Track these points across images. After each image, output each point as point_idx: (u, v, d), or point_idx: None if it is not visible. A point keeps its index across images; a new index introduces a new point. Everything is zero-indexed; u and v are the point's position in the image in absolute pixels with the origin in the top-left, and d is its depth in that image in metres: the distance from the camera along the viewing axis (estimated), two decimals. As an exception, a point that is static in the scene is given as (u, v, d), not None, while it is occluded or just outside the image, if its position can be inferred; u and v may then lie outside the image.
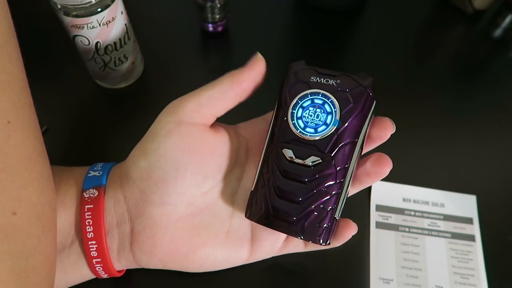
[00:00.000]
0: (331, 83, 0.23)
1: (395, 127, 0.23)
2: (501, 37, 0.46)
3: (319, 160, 0.22)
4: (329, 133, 0.22)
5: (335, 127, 0.22)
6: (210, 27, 0.42)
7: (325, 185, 0.23)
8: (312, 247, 0.28)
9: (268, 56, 0.42)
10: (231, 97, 0.24)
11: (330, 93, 0.23)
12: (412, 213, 0.33)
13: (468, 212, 0.33)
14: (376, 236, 0.32)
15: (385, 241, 0.31)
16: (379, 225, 0.32)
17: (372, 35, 0.45)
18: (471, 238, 0.32)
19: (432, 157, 0.36)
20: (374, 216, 0.33)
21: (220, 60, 0.44)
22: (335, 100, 0.22)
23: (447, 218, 0.33)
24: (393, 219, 0.33)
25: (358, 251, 0.31)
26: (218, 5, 0.39)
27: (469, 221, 0.33)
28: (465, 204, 0.34)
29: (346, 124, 0.22)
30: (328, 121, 0.22)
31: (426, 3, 0.48)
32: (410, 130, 0.37)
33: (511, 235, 0.32)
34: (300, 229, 0.23)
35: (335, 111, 0.22)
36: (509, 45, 0.45)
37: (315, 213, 0.23)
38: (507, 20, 0.47)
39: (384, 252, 0.31)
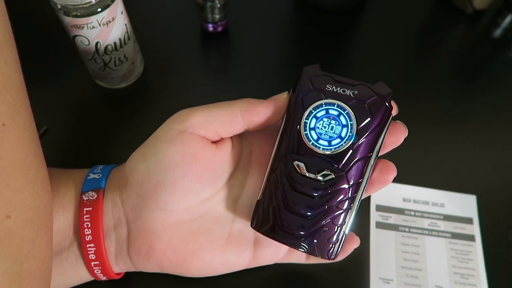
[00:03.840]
0: (348, 93, 0.21)
1: (407, 130, 0.23)
2: (501, 37, 0.46)
3: (332, 175, 0.22)
4: (344, 148, 0.21)
5: (351, 142, 0.21)
6: (210, 27, 0.42)
7: (337, 200, 0.22)
8: (314, 260, 0.27)
9: (268, 57, 0.43)
10: (239, 124, 0.23)
11: (347, 105, 0.21)
12: (412, 213, 0.33)
13: (468, 212, 0.33)
14: (376, 236, 0.32)
15: (385, 241, 0.31)
16: (379, 225, 0.32)
17: (372, 35, 0.45)
18: (471, 238, 0.32)
19: (432, 157, 0.36)
20: (374, 216, 0.33)
21: (220, 60, 0.44)
22: (352, 112, 0.21)
23: (447, 218, 0.33)
24: (393, 219, 0.33)
25: (358, 251, 0.31)
26: (218, 5, 0.39)
27: (469, 221, 0.33)
28: (465, 204, 0.34)
29: (363, 139, 0.21)
30: (343, 135, 0.21)
31: (426, 3, 0.48)
32: (410, 130, 0.37)
33: (511, 235, 0.32)
34: (309, 245, 0.22)
35: (351, 124, 0.21)
36: (509, 45, 0.45)
37: (325, 228, 0.22)
38: (507, 20, 0.47)
39: (384, 252, 0.31)
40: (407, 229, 0.32)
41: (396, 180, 0.35)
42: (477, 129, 0.38)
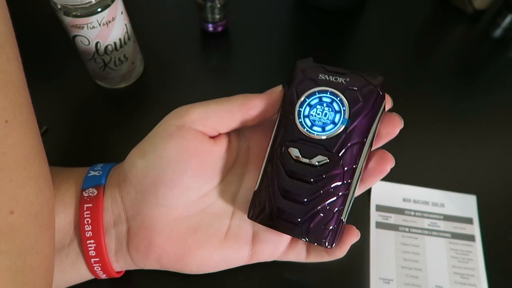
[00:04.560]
0: (340, 81, 0.22)
1: (403, 122, 0.23)
2: (501, 37, 0.46)
3: (326, 159, 0.22)
4: (337, 133, 0.22)
5: (344, 126, 0.22)
6: (210, 27, 0.42)
7: (332, 185, 0.22)
8: (314, 258, 0.27)
9: (268, 57, 0.43)
10: (237, 118, 0.24)
11: (339, 91, 0.22)
12: (412, 213, 0.33)
13: (468, 212, 0.33)
14: (376, 236, 0.32)
15: (385, 241, 0.31)
16: (379, 225, 0.32)
17: (372, 35, 0.45)
18: (471, 238, 0.32)
19: (432, 157, 0.36)
20: (374, 216, 0.33)
21: (220, 60, 0.44)
22: (344, 99, 0.22)
23: (447, 218, 0.33)
24: (393, 219, 0.33)
25: (358, 251, 0.31)
26: (218, 5, 0.39)
27: (469, 221, 0.33)
28: (465, 204, 0.34)
29: (355, 123, 0.22)
30: (336, 120, 0.22)
31: (426, 3, 0.48)
32: (410, 129, 0.37)
33: (511, 235, 0.32)
34: (305, 231, 0.22)
35: (344, 109, 0.22)
36: (509, 45, 0.45)
37: (321, 214, 0.22)
38: (507, 20, 0.47)
39: (384, 252, 0.31)
40: (407, 229, 0.32)
41: (396, 180, 0.35)
42: (477, 129, 0.38)
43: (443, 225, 0.33)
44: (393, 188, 0.34)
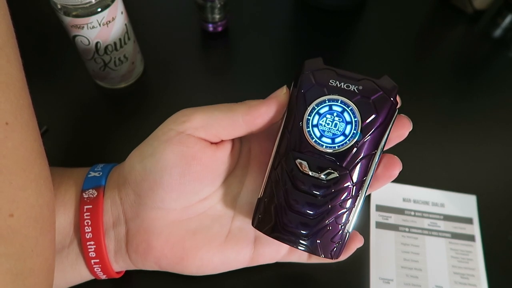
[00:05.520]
0: (352, 89, 0.21)
1: (412, 123, 0.22)
2: (501, 37, 0.46)
3: (335, 174, 0.21)
4: (348, 146, 0.21)
5: (355, 140, 0.21)
6: (210, 27, 0.42)
7: (341, 199, 0.21)
8: (316, 260, 0.27)
9: (268, 57, 0.43)
10: (241, 128, 0.23)
11: (351, 101, 0.21)
12: (412, 213, 0.33)
13: (468, 212, 0.33)
14: (376, 236, 0.32)
15: (385, 241, 0.31)
16: (379, 225, 0.32)
17: (372, 35, 0.45)
18: (471, 238, 0.32)
19: (432, 157, 0.36)
20: (374, 216, 0.33)
21: (220, 60, 0.44)
22: (356, 109, 0.21)
23: (447, 218, 0.33)
24: (393, 219, 0.33)
25: (358, 251, 0.31)
26: (218, 5, 0.39)
27: (469, 221, 0.33)
28: (465, 204, 0.34)
29: (368, 137, 0.21)
30: (347, 132, 0.21)
31: (426, 3, 0.48)
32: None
33: (511, 235, 0.32)
34: (312, 245, 0.22)
35: (355, 121, 0.21)
36: (509, 45, 0.45)
37: (328, 228, 0.22)
38: (507, 20, 0.47)
39: (384, 252, 0.31)
40: (407, 229, 0.32)
41: (396, 180, 0.35)
42: (477, 129, 0.38)
43: (443, 225, 0.33)
44: (393, 188, 0.34)
